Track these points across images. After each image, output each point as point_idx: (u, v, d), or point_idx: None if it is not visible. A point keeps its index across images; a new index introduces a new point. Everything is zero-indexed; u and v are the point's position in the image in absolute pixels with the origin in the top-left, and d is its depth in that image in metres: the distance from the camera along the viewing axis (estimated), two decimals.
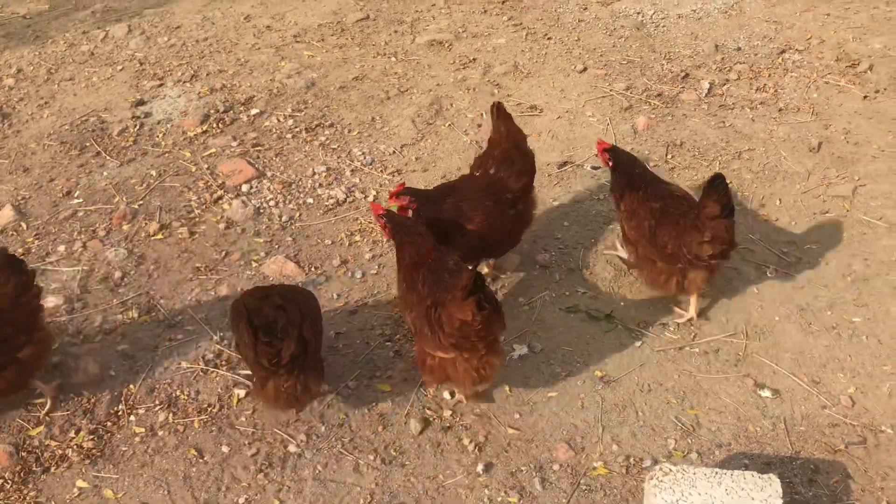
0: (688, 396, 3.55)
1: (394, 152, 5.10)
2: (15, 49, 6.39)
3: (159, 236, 4.44)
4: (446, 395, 3.53)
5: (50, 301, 4.00)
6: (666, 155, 5.04)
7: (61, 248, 4.37)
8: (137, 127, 5.35)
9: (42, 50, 6.37)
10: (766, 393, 3.55)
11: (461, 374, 3.20)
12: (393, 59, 6.15)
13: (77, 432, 3.40)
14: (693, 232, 3.64)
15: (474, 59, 6.10)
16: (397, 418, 3.47)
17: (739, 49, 6.10)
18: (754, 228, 4.46)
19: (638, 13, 6.63)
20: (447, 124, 5.36)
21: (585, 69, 5.92)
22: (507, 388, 3.59)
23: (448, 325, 3.06)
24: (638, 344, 3.79)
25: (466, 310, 2.96)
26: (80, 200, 4.73)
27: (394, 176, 4.89)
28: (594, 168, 4.92)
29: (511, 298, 4.03)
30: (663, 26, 6.44)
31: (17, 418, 3.46)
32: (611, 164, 4.01)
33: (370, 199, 4.70)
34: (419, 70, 6.00)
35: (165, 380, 3.63)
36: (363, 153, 5.09)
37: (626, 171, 3.98)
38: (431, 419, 3.46)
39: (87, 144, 5.20)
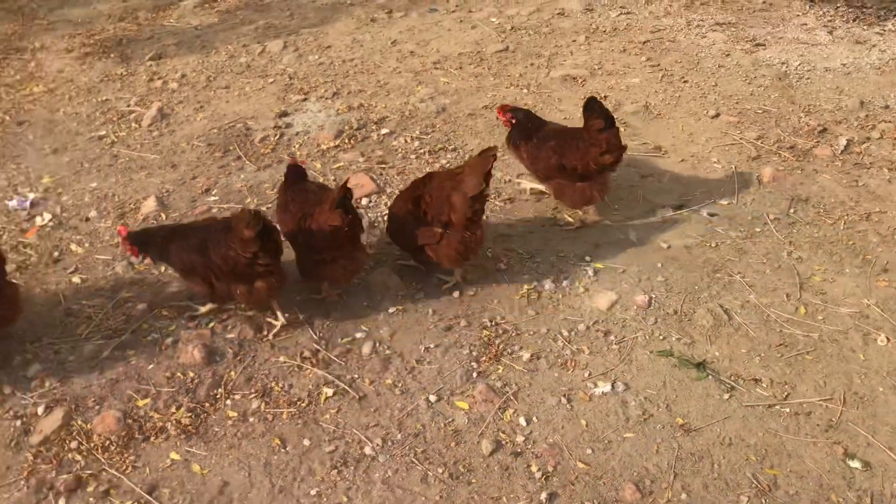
0: (769, 456, 3.43)
1: (509, 181, 5.21)
2: (183, 56, 7.00)
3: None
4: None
5: (174, 287, 4.37)
6: (788, 209, 4.89)
7: None
8: (278, 136, 5.73)
9: (206, 59, 6.94)
10: (855, 464, 3.39)
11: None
12: (525, 90, 6.28)
13: (178, 408, 3.69)
14: (592, 148, 4.47)
15: (605, 97, 6.14)
16: (470, 437, 3.55)
17: (887, 107, 5.84)
18: (871, 293, 4.25)
19: (782, 63, 6.47)
20: None
21: (718, 115, 5.84)
22: (583, 422, 3.60)
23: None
24: (726, 396, 3.70)
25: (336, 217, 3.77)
26: (216, 198, 5.12)
27: (506, 203, 4.99)
28: (711, 215, 4.85)
29: (601, 336, 4.04)
30: (807, 78, 6.25)
31: (129, 390, 3.79)
32: (514, 121, 4.76)
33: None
34: (549, 103, 6.11)
35: (264, 371, 3.88)
36: None
37: (523, 125, 4.74)
38: (504, 442, 3.52)
39: (231, 148, 5.63)
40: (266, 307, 4.14)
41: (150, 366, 3.91)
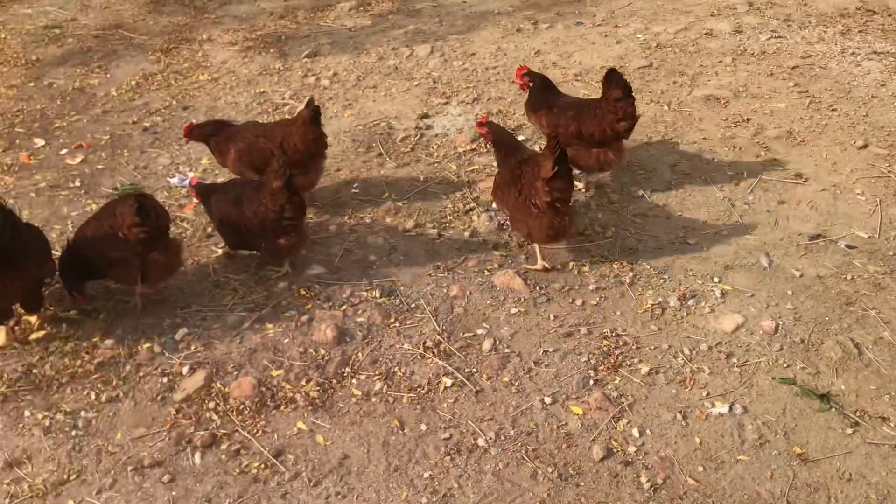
0: (891, 496, 3.33)
1: (641, 195, 5.23)
2: (336, 55, 7.36)
3: (413, 233, 4.94)
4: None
5: (314, 269, 4.64)
6: None
7: (332, 227, 5.02)
8: (418, 137, 5.96)
9: (357, 59, 7.28)
10: None
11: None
12: (665, 107, 6.27)
13: (308, 382, 3.93)
14: (609, 115, 4.92)
15: (748, 119, 6.04)
16: (583, 441, 3.61)
17: None
18: None
19: None
20: (703, 177, 5.39)
21: (866, 146, 5.64)
22: (697, 440, 3.60)
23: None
24: (849, 431, 3.61)
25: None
26: (357, 191, 5.39)
27: (637, 217, 5.01)
28: (849, 247, 4.71)
29: (723, 357, 4.01)
30: None
31: (265, 360, 4.07)
32: (531, 85, 5.23)
33: (608, 235, 4.87)
34: (689, 122, 6.07)
35: (388, 356, 4.08)
36: (613, 191, 5.27)
37: (539, 91, 5.22)
38: (615, 450, 3.56)
39: (374, 145, 5.90)
40: (283, 261, 4.61)
41: (286, 340, 4.18)
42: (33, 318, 4.33)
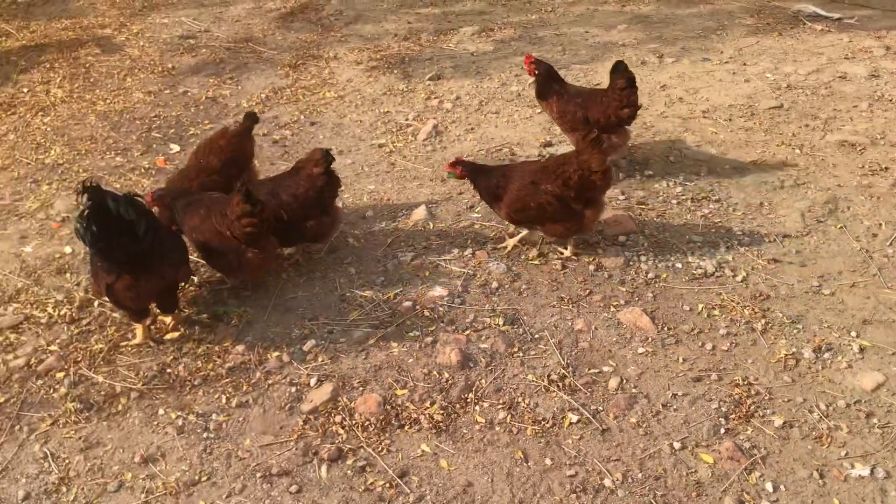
0: None
1: (774, 240, 5.07)
2: (459, 79, 7.43)
3: (536, 262, 4.91)
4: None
5: (437, 291, 4.67)
6: None
7: (455, 250, 5.05)
8: None
9: (479, 84, 7.34)
10: None
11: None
12: (797, 151, 6.09)
13: (432, 404, 3.94)
14: (614, 103, 5.43)
15: (886, 168, 5.81)
16: (713, 491, 3.50)
17: None
18: None
19: None
20: (839, 226, 5.20)
21: None
22: (835, 501, 3.44)
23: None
24: None
25: None
26: (479, 215, 5.40)
27: (769, 263, 4.87)
28: None
29: (863, 416, 3.83)
30: None
31: (389, 378, 4.10)
32: (537, 73, 5.69)
33: (739, 279, 4.74)
34: (822, 167, 5.87)
35: (512, 385, 4.05)
36: (743, 233, 5.13)
37: (545, 79, 5.69)
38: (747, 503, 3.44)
39: None
40: (326, 241, 4.95)
41: (410, 360, 4.21)
42: (168, 319, 4.49)
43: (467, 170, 4.88)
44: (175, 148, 6.41)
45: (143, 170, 6.11)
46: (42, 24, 9.29)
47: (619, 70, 5.50)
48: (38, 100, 7.34)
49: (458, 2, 9.67)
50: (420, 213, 5.40)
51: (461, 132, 6.53)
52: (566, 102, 5.63)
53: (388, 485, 3.55)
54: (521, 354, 4.23)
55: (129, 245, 3.91)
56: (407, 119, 6.78)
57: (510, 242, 5.02)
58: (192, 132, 6.68)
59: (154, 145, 6.49)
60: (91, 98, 7.35)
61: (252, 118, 5.27)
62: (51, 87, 7.58)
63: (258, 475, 3.60)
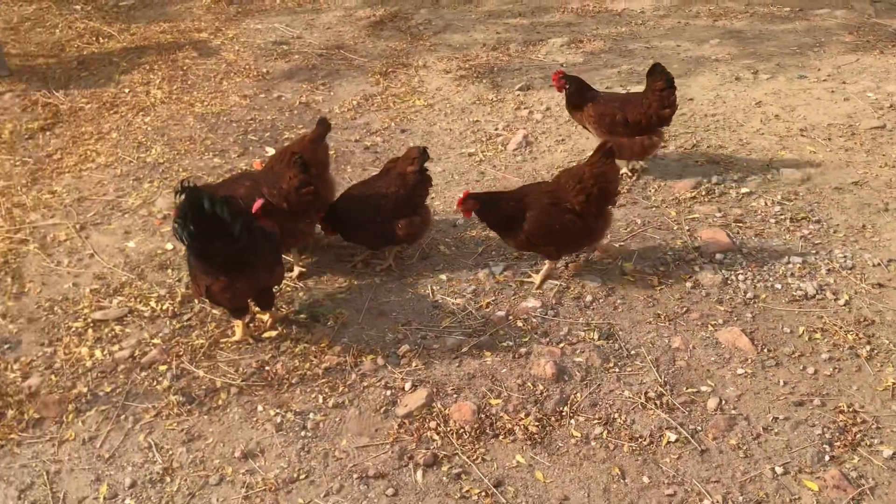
0: None
1: (878, 264, 4.91)
2: (549, 90, 7.41)
3: (630, 277, 4.86)
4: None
5: (530, 302, 4.66)
6: None
7: (547, 261, 5.02)
8: (634, 178, 5.88)
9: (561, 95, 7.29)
10: None
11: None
12: None
13: (526, 415, 3.93)
14: (655, 104, 5.60)
15: None
16: None
17: None
18: None
19: None
20: None
21: None
22: None
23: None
24: None
25: None
26: None
27: (873, 287, 4.71)
28: None
29: None
30: None
31: (483, 387, 4.10)
32: (566, 87, 5.80)
33: (841, 302, 4.61)
34: None
35: (608, 401, 4.01)
36: (845, 256, 4.98)
37: (576, 92, 5.79)
38: None
39: None
40: (416, 242, 5.05)
41: (504, 370, 4.20)
42: (265, 317, 4.58)
43: (479, 202, 4.61)
44: (270, 151, 6.55)
45: (240, 171, 6.25)
46: (142, 26, 9.61)
47: (658, 72, 5.65)
48: (138, 100, 7.60)
49: (546, 13, 9.66)
50: None
51: (551, 143, 6.52)
52: (604, 106, 5.71)
53: (483, 493, 3.55)
54: (616, 370, 4.19)
55: (223, 246, 3.95)
56: (496, 129, 6.80)
57: (538, 279, 4.83)
58: (286, 136, 6.82)
59: (250, 148, 6.65)
60: (189, 100, 7.56)
61: (324, 124, 5.29)
62: (150, 89, 7.83)
63: (355, 476, 3.65)
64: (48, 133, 7.05)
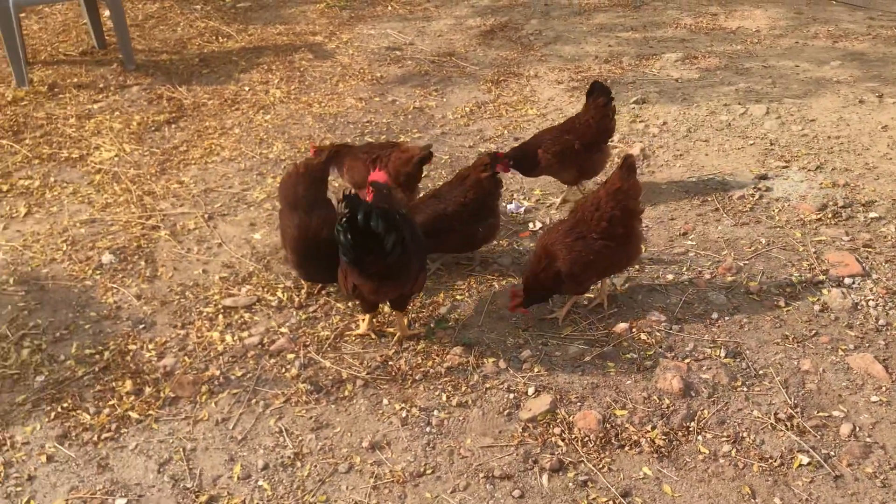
0: None
1: None
2: (664, 105, 7.35)
3: (755, 297, 4.77)
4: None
5: (654, 315, 4.62)
6: None
7: (670, 276, 4.98)
8: (756, 197, 5.78)
9: (686, 111, 7.22)
10: None
11: None
12: None
13: (652, 429, 3.90)
14: (604, 120, 5.64)
15: None
16: None
17: None
18: None
19: None
20: None
21: None
22: None
23: None
24: None
25: None
26: (693, 243, 5.31)
27: None
28: None
29: None
30: None
31: (607, 398, 4.09)
32: (511, 165, 5.30)
33: None
34: None
35: (736, 419, 3.95)
36: None
37: (520, 159, 5.52)
38: None
39: (709, 199, 5.80)
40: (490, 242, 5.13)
41: (628, 381, 4.18)
42: (386, 308, 4.65)
43: (528, 296, 4.52)
44: None
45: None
46: (259, 28, 9.92)
47: (597, 89, 5.63)
48: (258, 98, 7.84)
49: (658, 28, 9.58)
50: None
51: (669, 158, 6.46)
52: (558, 145, 5.57)
53: (610, 503, 3.53)
54: (744, 389, 4.12)
55: (375, 260, 3.94)
56: (612, 141, 6.76)
57: (561, 313, 4.69)
58: (402, 139, 6.93)
59: None
60: (307, 100, 7.76)
61: (427, 153, 5.26)
62: (269, 88, 8.07)
63: (481, 475, 3.68)
64: (173, 126, 7.33)
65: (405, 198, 5.07)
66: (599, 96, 5.59)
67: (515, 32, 9.58)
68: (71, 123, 7.35)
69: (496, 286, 4.97)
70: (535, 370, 4.27)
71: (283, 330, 4.64)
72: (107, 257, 5.31)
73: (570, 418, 3.97)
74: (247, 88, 8.10)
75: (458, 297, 4.89)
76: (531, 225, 5.61)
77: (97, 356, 4.48)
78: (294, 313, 4.78)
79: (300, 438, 3.92)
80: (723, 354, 4.33)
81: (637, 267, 5.07)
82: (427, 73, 8.42)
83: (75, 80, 8.35)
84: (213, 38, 9.60)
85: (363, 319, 4.58)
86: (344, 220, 3.81)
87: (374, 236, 3.85)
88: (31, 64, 8.71)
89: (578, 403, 4.06)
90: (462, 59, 8.78)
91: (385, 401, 4.12)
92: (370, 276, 4.06)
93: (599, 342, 4.46)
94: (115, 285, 5.06)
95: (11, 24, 7.86)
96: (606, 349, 4.39)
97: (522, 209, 5.74)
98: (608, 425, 3.92)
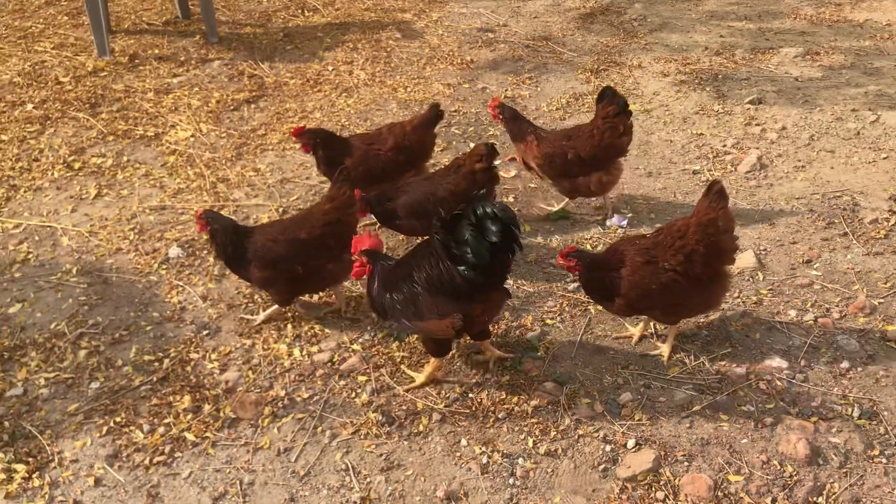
0: None
1: None
2: (783, 107, 6.65)
3: (893, 344, 4.14)
4: None
5: (774, 360, 4.04)
6: None
7: (792, 312, 4.38)
8: (892, 222, 5.09)
9: (808, 115, 6.51)
10: None
11: None
12: None
13: (773, 501, 3.35)
14: (609, 134, 4.95)
15: None
16: None
17: None
18: None
19: None
20: None
21: None
22: None
23: None
24: None
25: None
26: (819, 273, 4.68)
27: None
28: None
29: None
30: None
31: (720, 457, 3.55)
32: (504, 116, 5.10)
33: None
34: None
35: (873, 497, 3.37)
36: None
37: (515, 117, 5.14)
38: None
39: (836, 221, 5.13)
40: None
41: (744, 440, 3.63)
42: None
43: (583, 263, 3.97)
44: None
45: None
46: (346, 2, 9.50)
47: (609, 95, 4.99)
48: (342, 80, 7.43)
49: (775, 18, 8.78)
50: (747, 259, 4.76)
51: (789, 169, 5.78)
52: (550, 145, 5.03)
53: None
54: (883, 460, 3.52)
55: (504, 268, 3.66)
56: (724, 145, 6.12)
57: (665, 350, 4.11)
58: (490, 132, 6.44)
59: (454, 142, 6.31)
60: (392, 84, 7.32)
61: (437, 111, 5.12)
62: (354, 69, 7.66)
63: None
64: (252, 106, 6.99)
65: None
66: (609, 104, 4.98)
67: (617, 17, 8.92)
68: (149, 98, 7.08)
69: (592, 310, 4.45)
70: (636, 417, 3.76)
71: (355, 347, 4.23)
72: (174, 250, 5.00)
73: (676, 481, 3.45)
74: (330, 68, 7.70)
75: (548, 321, 4.39)
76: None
77: (156, 364, 4.16)
78: (368, 328, 4.36)
79: (368, 480, 3.51)
80: (856, 414, 3.73)
81: (754, 297, 4.48)
82: (521, 59, 7.87)
83: (156, 51, 8.10)
84: (299, 11, 9.23)
85: (431, 365, 4.02)
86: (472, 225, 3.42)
87: (511, 240, 3.46)
88: (114, 33, 8.49)
89: (686, 463, 3.53)
90: (559, 45, 8.18)
91: (464, 441, 3.67)
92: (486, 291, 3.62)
93: (711, 389, 3.91)
94: (180, 283, 4.74)
95: None
96: (719, 398, 3.84)
97: (625, 222, 5.18)
98: (720, 493, 3.39)
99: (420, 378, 3.97)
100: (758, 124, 6.41)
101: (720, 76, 7.31)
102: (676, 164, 5.93)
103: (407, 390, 3.94)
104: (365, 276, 3.87)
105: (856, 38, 8.16)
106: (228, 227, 4.21)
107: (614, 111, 4.95)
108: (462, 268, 3.49)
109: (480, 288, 3.56)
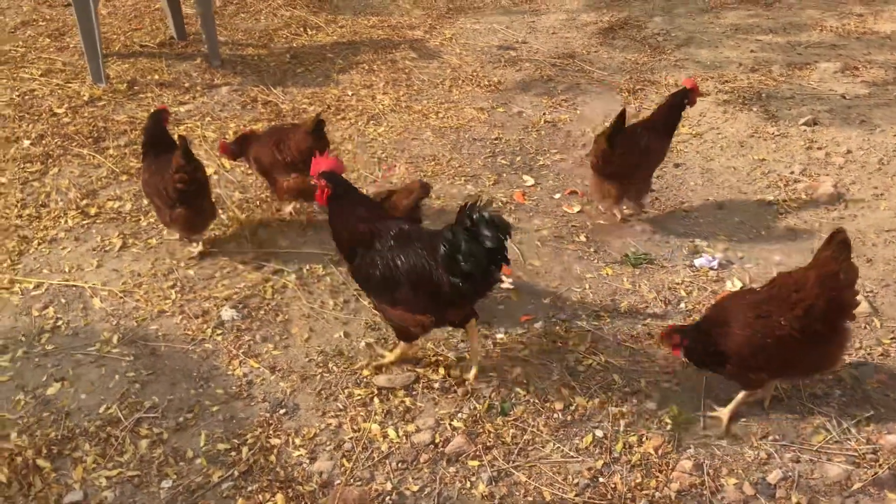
0: None
1: None
2: (840, 128, 6.35)
3: None
4: None
5: None
6: None
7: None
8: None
9: (869, 136, 6.22)
10: None
11: None
12: None
13: None
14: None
15: None
16: None
17: None
18: None
19: None
20: None
21: None
22: None
23: None
24: None
25: None
26: None
27: None
28: None
29: None
30: None
31: None
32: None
33: None
34: None
35: None
36: None
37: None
38: None
39: None
40: None
41: None
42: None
43: (688, 336, 3.65)
44: (529, 181, 5.75)
45: (500, 202, 5.47)
46: (349, 18, 8.98)
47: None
48: (365, 105, 6.93)
49: (801, 30, 8.51)
50: (861, 307, 4.39)
51: (867, 197, 5.47)
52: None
53: None
54: None
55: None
56: (792, 172, 5.79)
57: (725, 415, 3.74)
58: (540, 162, 6.01)
59: (504, 174, 5.87)
60: (421, 109, 6.84)
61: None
62: (375, 93, 7.15)
63: None
64: None
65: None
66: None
67: (639, 31, 8.56)
68: None
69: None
70: (794, 500, 3.35)
71: (456, 423, 3.75)
72: (227, 312, 4.45)
73: None
74: (350, 93, 7.18)
75: (663, 384, 3.96)
76: (729, 284, 4.66)
77: (234, 453, 3.63)
78: (463, 398, 3.88)
79: None
80: None
81: (879, 349, 4.12)
82: (551, 79, 7.45)
83: (156, 76, 7.47)
84: (301, 29, 8.67)
85: (397, 346, 4.03)
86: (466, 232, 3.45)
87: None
88: (106, 56, 7.83)
89: None
90: (586, 63, 7.79)
91: None
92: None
93: (866, 460, 3.52)
94: (242, 353, 4.19)
95: (89, 9, 6.96)
96: (881, 474, 3.45)
97: (715, 263, 4.79)
98: None
99: (390, 357, 4.06)
100: (819, 148, 6.09)
101: (763, 95, 6.99)
102: (746, 194, 5.58)
103: (377, 366, 4.03)
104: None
105: (889, 50, 7.93)
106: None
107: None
108: (455, 279, 3.50)
109: (464, 297, 3.62)
